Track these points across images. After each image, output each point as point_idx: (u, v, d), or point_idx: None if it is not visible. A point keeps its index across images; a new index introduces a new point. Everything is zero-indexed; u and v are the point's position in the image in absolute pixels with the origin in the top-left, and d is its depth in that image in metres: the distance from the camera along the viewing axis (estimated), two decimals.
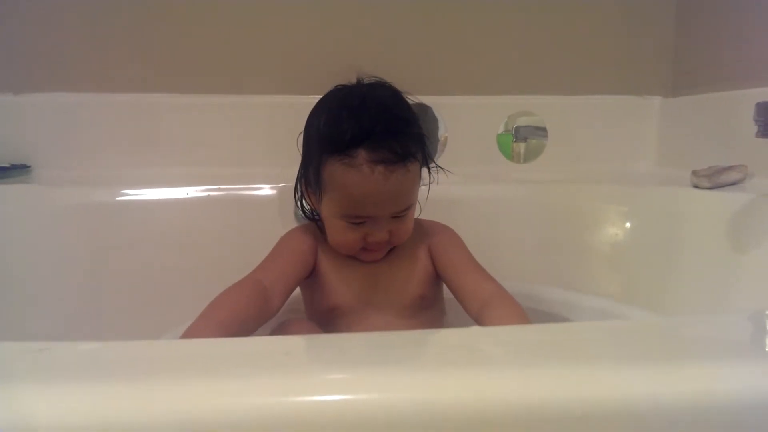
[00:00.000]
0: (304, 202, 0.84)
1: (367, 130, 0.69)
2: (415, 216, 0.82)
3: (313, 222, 0.84)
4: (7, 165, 1.09)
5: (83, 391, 0.32)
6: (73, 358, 0.36)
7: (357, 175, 0.70)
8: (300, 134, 0.80)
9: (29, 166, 1.13)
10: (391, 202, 0.73)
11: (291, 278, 0.78)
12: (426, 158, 0.79)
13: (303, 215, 0.86)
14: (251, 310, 0.70)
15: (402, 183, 0.72)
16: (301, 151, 0.81)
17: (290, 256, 0.80)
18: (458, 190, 1.06)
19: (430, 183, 0.83)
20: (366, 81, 0.80)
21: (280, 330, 0.76)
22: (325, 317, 0.80)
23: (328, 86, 1.23)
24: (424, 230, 0.84)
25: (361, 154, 0.70)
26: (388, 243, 0.77)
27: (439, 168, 0.84)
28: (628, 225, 1.00)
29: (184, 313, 0.79)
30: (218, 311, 0.67)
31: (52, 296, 0.94)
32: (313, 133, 0.77)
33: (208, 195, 1.06)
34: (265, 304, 0.72)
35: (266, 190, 1.07)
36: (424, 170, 0.80)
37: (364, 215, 0.74)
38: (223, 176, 1.10)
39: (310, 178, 0.78)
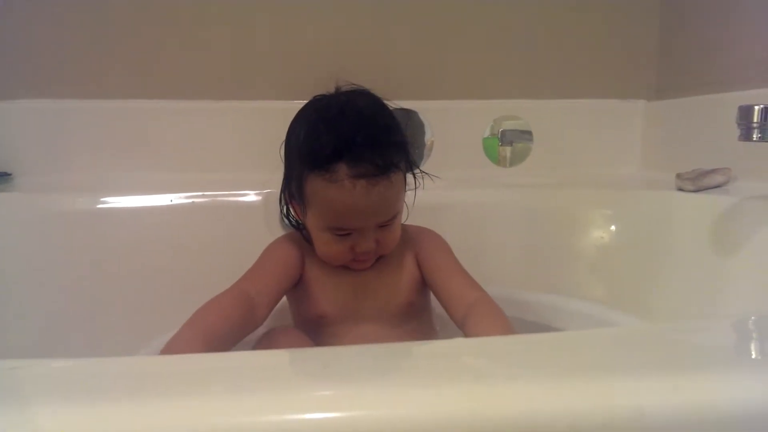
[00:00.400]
0: (289, 212, 0.83)
1: (346, 144, 0.68)
2: (402, 221, 0.81)
3: (299, 231, 0.83)
4: None
5: (56, 411, 0.31)
6: (47, 377, 0.35)
7: (339, 190, 0.69)
8: (282, 144, 0.79)
9: (10, 174, 1.11)
10: (376, 215, 0.72)
11: (276, 288, 0.77)
12: (410, 164, 0.78)
13: (289, 224, 0.85)
14: (236, 320, 0.69)
15: (385, 195, 0.71)
16: (283, 162, 0.80)
17: (276, 265, 0.79)
18: (445, 194, 1.06)
19: (416, 188, 0.83)
20: (345, 89, 0.78)
21: (267, 339, 0.75)
22: (312, 326, 0.80)
23: (315, 91, 1.22)
24: (411, 236, 0.84)
25: (342, 169, 0.68)
26: (375, 252, 0.76)
27: (424, 173, 0.83)
28: (613, 228, 1.00)
29: (169, 321, 0.78)
30: (202, 321, 0.66)
31: (34, 305, 0.93)
32: (293, 146, 0.76)
33: (193, 202, 1.05)
34: (251, 314, 0.71)
35: (251, 196, 1.06)
36: (410, 176, 0.80)
37: (349, 228, 0.73)
38: (208, 182, 1.09)
39: (293, 191, 0.77)
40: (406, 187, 0.78)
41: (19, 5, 1.12)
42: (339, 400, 0.32)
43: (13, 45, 1.13)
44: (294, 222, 0.83)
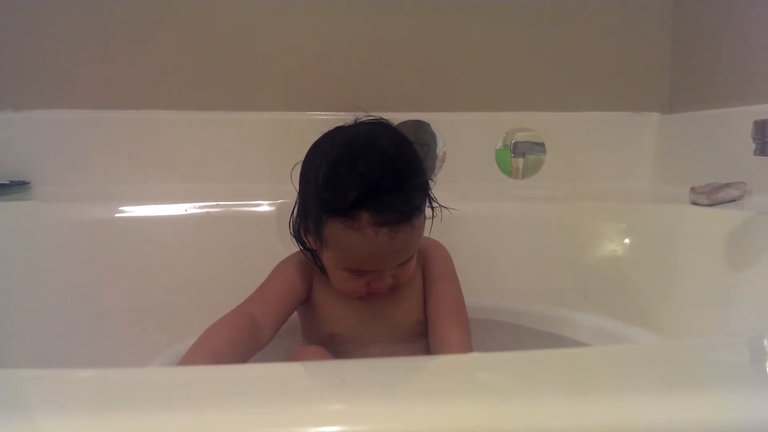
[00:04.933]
0: (300, 237, 0.80)
1: (369, 192, 0.65)
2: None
3: (309, 254, 0.81)
4: (7, 182, 1.09)
5: (80, 421, 0.32)
6: (70, 387, 0.36)
7: (361, 237, 0.66)
8: (296, 165, 0.77)
9: (28, 183, 1.13)
10: (396, 259, 0.71)
11: (283, 310, 0.77)
12: (430, 200, 0.77)
13: (301, 249, 0.82)
14: (242, 342, 0.69)
15: (407, 240, 0.69)
16: (296, 187, 0.78)
17: (283, 287, 0.78)
18: (456, 206, 1.05)
19: (433, 217, 0.80)
20: (365, 121, 0.75)
21: (295, 358, 0.74)
22: (323, 343, 0.79)
23: (327, 103, 1.24)
24: (418, 252, 0.81)
25: (365, 217, 0.66)
26: (391, 286, 0.75)
27: (442, 207, 0.81)
28: (626, 242, 1.00)
29: (184, 330, 0.79)
30: (209, 345, 0.67)
31: (51, 313, 0.94)
32: (312, 185, 0.72)
33: (207, 212, 1.06)
34: (256, 336, 0.71)
35: (265, 206, 1.07)
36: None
37: (368, 270, 0.72)
38: (221, 192, 1.10)
39: (308, 226, 0.74)
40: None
41: (37, 18, 1.14)
42: (355, 414, 0.33)
43: (31, 56, 1.15)
44: (305, 246, 0.81)
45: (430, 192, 0.75)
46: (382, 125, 0.75)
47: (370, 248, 0.67)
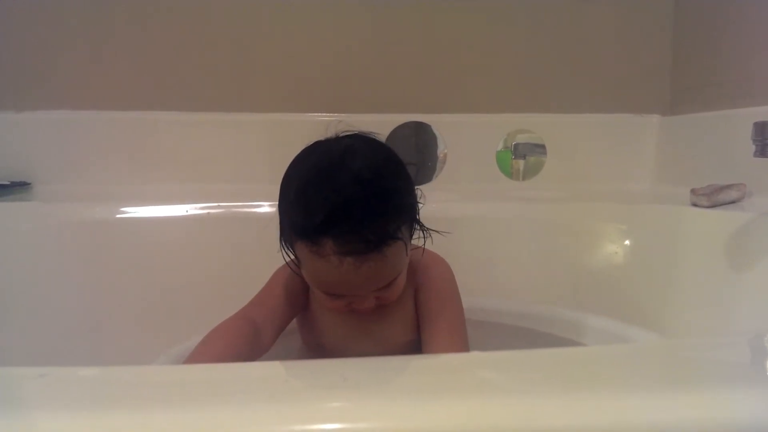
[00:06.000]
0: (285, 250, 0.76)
1: (333, 218, 0.59)
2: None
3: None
4: (7, 182, 1.09)
5: (84, 418, 0.32)
6: (74, 384, 0.36)
7: (325, 264, 0.62)
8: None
9: (29, 183, 1.13)
10: (368, 286, 0.66)
11: (282, 316, 0.76)
12: (415, 222, 0.70)
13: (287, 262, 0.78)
14: (242, 348, 0.68)
15: (377, 270, 0.63)
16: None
17: (282, 293, 0.77)
18: (457, 208, 1.06)
19: (425, 238, 0.74)
20: (347, 136, 0.69)
21: None
22: (313, 354, 0.80)
23: (328, 104, 1.24)
24: (414, 269, 0.76)
25: (329, 244, 0.61)
26: (376, 306, 0.70)
27: (431, 231, 0.74)
28: (627, 243, 1.00)
29: (184, 330, 0.79)
30: (209, 350, 0.66)
31: (52, 312, 0.94)
32: (285, 203, 0.67)
33: (208, 212, 1.06)
34: (257, 341, 0.71)
35: (265, 207, 1.07)
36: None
37: (341, 294, 0.67)
38: (222, 193, 1.10)
39: (286, 243, 0.70)
40: (410, 246, 0.70)
41: (38, 19, 1.15)
42: (355, 412, 0.33)
43: (32, 57, 1.15)
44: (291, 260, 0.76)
45: (416, 215, 0.70)
46: (364, 140, 0.69)
47: (337, 276, 0.62)
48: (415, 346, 0.78)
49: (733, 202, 0.92)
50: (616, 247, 1.01)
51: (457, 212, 1.06)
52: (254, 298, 0.77)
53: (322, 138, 0.70)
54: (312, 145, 0.69)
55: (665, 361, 0.41)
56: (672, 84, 1.27)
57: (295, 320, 0.82)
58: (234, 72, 1.21)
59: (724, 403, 0.34)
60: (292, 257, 0.72)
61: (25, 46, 1.15)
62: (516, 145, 1.26)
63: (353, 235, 0.60)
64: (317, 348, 0.79)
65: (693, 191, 0.95)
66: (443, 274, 0.78)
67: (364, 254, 0.61)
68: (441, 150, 1.24)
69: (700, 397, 0.35)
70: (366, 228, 0.60)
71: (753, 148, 0.75)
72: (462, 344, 0.72)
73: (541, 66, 1.27)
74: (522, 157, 1.26)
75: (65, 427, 0.31)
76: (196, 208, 1.06)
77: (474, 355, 0.44)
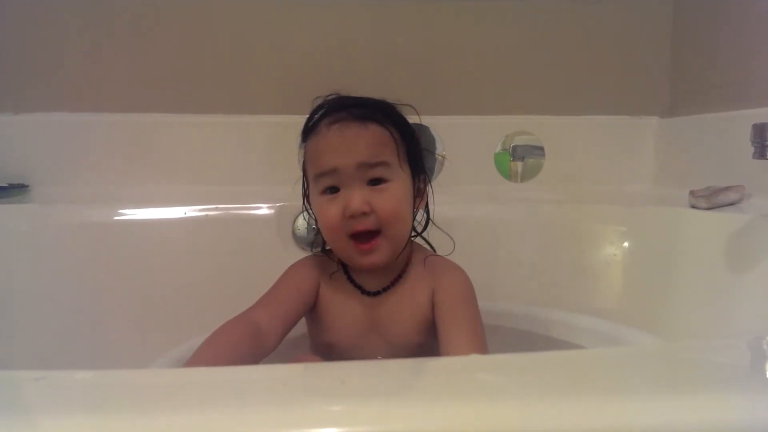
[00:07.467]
0: (311, 218, 0.81)
1: (331, 108, 0.75)
2: (420, 232, 0.81)
3: (320, 249, 0.82)
4: (5, 185, 1.09)
5: (79, 422, 0.32)
6: (71, 388, 0.36)
7: (317, 139, 0.74)
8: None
9: (27, 186, 1.13)
10: (350, 152, 0.72)
11: (290, 316, 0.76)
12: (407, 137, 0.78)
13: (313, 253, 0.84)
14: (244, 351, 0.68)
15: (359, 135, 0.73)
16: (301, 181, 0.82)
17: (291, 292, 0.78)
18: (456, 209, 1.06)
19: (425, 194, 0.81)
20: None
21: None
22: (322, 353, 0.80)
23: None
24: (433, 269, 0.79)
25: (323, 123, 0.75)
26: (373, 221, 0.72)
27: (432, 223, 0.83)
28: (626, 245, 1.00)
29: (183, 332, 0.79)
30: (209, 354, 0.66)
31: (50, 314, 0.94)
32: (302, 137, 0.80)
33: (206, 214, 1.06)
34: (259, 343, 0.71)
35: (264, 209, 1.07)
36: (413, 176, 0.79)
37: (331, 167, 0.72)
38: (221, 195, 1.10)
39: (303, 182, 0.80)
40: (404, 163, 0.76)
41: (37, 21, 1.15)
42: (354, 415, 0.33)
43: (30, 59, 1.15)
44: (317, 235, 0.82)
45: (403, 125, 0.78)
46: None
47: (325, 144, 0.73)
48: (427, 349, 0.78)
49: (731, 203, 0.92)
50: (614, 249, 1.01)
51: (455, 214, 1.05)
52: (262, 297, 0.77)
53: None
54: None
55: (664, 364, 0.41)
56: (671, 86, 1.27)
57: (304, 322, 0.82)
58: (232, 74, 1.21)
59: (724, 405, 0.34)
60: (313, 219, 0.80)
61: (24, 47, 1.15)
62: (514, 147, 1.26)
63: (342, 111, 0.74)
64: (326, 348, 0.79)
65: (692, 193, 0.95)
66: (462, 277, 0.79)
67: (347, 121, 0.73)
68: (439, 152, 1.24)
69: (700, 400, 0.35)
70: (354, 107, 0.75)
71: (752, 149, 0.75)
72: (481, 344, 0.72)
73: (540, 68, 1.27)
74: (520, 159, 1.26)
75: (61, 430, 0.31)
76: (194, 210, 1.06)
77: (473, 358, 0.44)
